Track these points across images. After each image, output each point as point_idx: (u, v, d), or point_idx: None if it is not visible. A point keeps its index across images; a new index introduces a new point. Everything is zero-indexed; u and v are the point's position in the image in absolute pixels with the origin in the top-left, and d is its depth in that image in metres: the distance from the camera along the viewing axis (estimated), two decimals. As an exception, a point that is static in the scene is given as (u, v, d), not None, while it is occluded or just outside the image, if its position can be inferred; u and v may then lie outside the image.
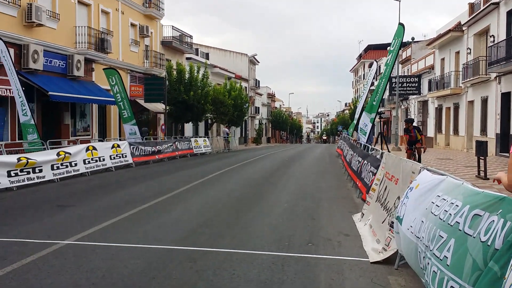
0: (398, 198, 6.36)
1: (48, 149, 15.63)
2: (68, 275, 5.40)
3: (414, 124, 19.41)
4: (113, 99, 24.98)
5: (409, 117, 41.98)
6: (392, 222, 5.87)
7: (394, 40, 15.16)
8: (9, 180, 12.85)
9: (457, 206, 3.53)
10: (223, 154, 33.55)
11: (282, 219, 8.81)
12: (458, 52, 32.35)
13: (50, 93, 20.73)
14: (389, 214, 6.59)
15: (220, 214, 9.37)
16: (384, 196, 7.32)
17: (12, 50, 19.03)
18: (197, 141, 31.58)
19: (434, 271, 3.55)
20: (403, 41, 15.74)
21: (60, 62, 23.36)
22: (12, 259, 6.00)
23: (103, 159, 18.02)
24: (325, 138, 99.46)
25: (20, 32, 20.66)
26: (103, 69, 25.24)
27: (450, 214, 3.56)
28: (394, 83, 36.35)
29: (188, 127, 40.78)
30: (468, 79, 28.19)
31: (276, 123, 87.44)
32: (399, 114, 41.17)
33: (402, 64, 47.43)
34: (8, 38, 19.45)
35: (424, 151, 17.02)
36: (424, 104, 41.42)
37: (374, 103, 15.47)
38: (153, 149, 23.20)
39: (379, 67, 42.27)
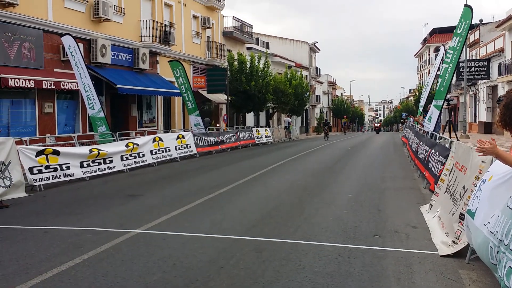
0: (463, 187, 6.17)
1: (117, 141, 16.25)
2: (141, 263, 5.62)
3: None
4: (177, 91, 25.59)
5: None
6: (462, 215, 5.69)
7: (460, 23, 14.55)
8: (82, 171, 13.47)
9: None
10: (284, 144, 33.57)
11: (347, 210, 8.73)
12: (531, 34, 30.60)
13: (118, 86, 21.50)
14: (456, 205, 6.40)
15: (284, 204, 9.41)
16: (454, 187, 7.10)
17: (81, 45, 19.86)
18: (258, 131, 31.78)
19: (510, 266, 3.42)
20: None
21: (126, 55, 24.15)
22: (88, 247, 6.31)
23: (169, 150, 18.51)
24: (378, 126, 71.16)
25: (88, 27, 21.53)
26: (168, 61, 25.86)
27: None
28: (461, 68, 34.92)
29: (249, 117, 41.10)
30: (543, 62, 26.63)
31: (338, 112, 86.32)
32: (467, 100, 39.56)
33: (470, 47, 45.43)
34: (78, 33, 20.32)
35: None
36: (493, 89, 39.51)
37: (442, 89, 14.96)
38: (216, 140, 23.58)
39: (445, 51, 40.70)
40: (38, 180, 11.79)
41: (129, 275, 5.21)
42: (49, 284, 4.98)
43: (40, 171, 11.92)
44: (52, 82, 18.47)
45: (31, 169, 11.70)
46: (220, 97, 33.08)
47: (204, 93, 31.19)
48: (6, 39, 17.16)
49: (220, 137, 24.24)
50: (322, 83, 79.64)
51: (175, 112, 29.87)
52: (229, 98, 30.76)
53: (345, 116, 75.79)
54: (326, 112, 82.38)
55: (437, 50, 64.87)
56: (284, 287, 4.86)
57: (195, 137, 21.28)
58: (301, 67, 58.27)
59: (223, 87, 29.21)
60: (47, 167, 12.15)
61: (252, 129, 31.31)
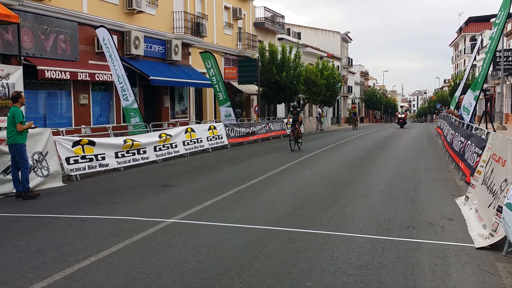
0: (505, 180, 6.03)
1: (151, 132, 16.46)
2: (176, 252, 5.71)
3: None
4: (209, 82, 25.71)
5: None
6: (500, 207, 5.57)
7: (500, 12, 14.15)
8: (117, 161, 13.72)
9: None
10: (316, 135, 33.41)
11: (380, 201, 8.65)
12: None
13: (151, 77, 21.74)
14: (495, 197, 6.26)
15: (316, 195, 9.38)
16: (491, 179, 6.94)
17: (115, 37, 20.12)
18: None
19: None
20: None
21: (159, 47, 24.37)
22: (124, 236, 6.44)
23: (201, 141, 18.66)
24: (403, 117, 55.02)
25: (122, 19, 21.79)
26: (200, 52, 25.99)
27: None
28: (498, 57, 34.01)
29: (280, 108, 40.97)
30: None
31: (370, 102, 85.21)
32: (504, 90, 38.50)
33: (507, 37, 44.12)
34: (112, 25, 20.60)
35: None
36: (532, 79, 38.37)
37: (479, 79, 14.62)
38: (247, 131, 23.64)
39: (482, 40, 39.65)
40: (74, 170, 12.07)
41: (165, 264, 5.29)
42: (87, 271, 5.11)
43: (76, 161, 12.20)
44: (87, 74, 18.80)
45: (67, 159, 11.98)
46: (251, 88, 33.08)
47: (235, 84, 31.25)
48: (42, 31, 17.54)
49: (251, 128, 24.29)
50: (354, 73, 78.77)
51: (206, 103, 30.05)
52: (260, 89, 30.73)
53: (353, 106, 63.94)
54: (358, 103, 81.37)
55: (473, 39, 63.25)
56: (317, 277, 4.86)
57: (227, 128, 21.37)
58: (332, 57, 57.72)
59: (254, 78, 29.20)
60: (83, 157, 12.42)
61: (283, 120, 31.23)
